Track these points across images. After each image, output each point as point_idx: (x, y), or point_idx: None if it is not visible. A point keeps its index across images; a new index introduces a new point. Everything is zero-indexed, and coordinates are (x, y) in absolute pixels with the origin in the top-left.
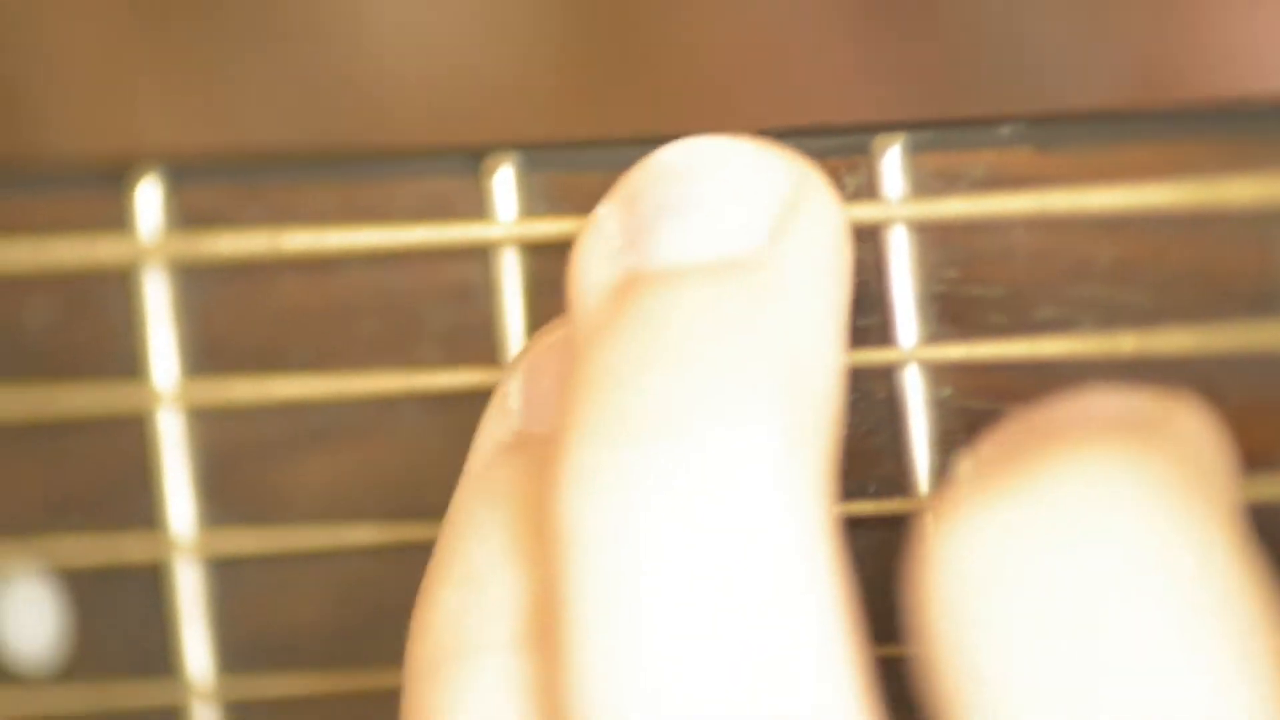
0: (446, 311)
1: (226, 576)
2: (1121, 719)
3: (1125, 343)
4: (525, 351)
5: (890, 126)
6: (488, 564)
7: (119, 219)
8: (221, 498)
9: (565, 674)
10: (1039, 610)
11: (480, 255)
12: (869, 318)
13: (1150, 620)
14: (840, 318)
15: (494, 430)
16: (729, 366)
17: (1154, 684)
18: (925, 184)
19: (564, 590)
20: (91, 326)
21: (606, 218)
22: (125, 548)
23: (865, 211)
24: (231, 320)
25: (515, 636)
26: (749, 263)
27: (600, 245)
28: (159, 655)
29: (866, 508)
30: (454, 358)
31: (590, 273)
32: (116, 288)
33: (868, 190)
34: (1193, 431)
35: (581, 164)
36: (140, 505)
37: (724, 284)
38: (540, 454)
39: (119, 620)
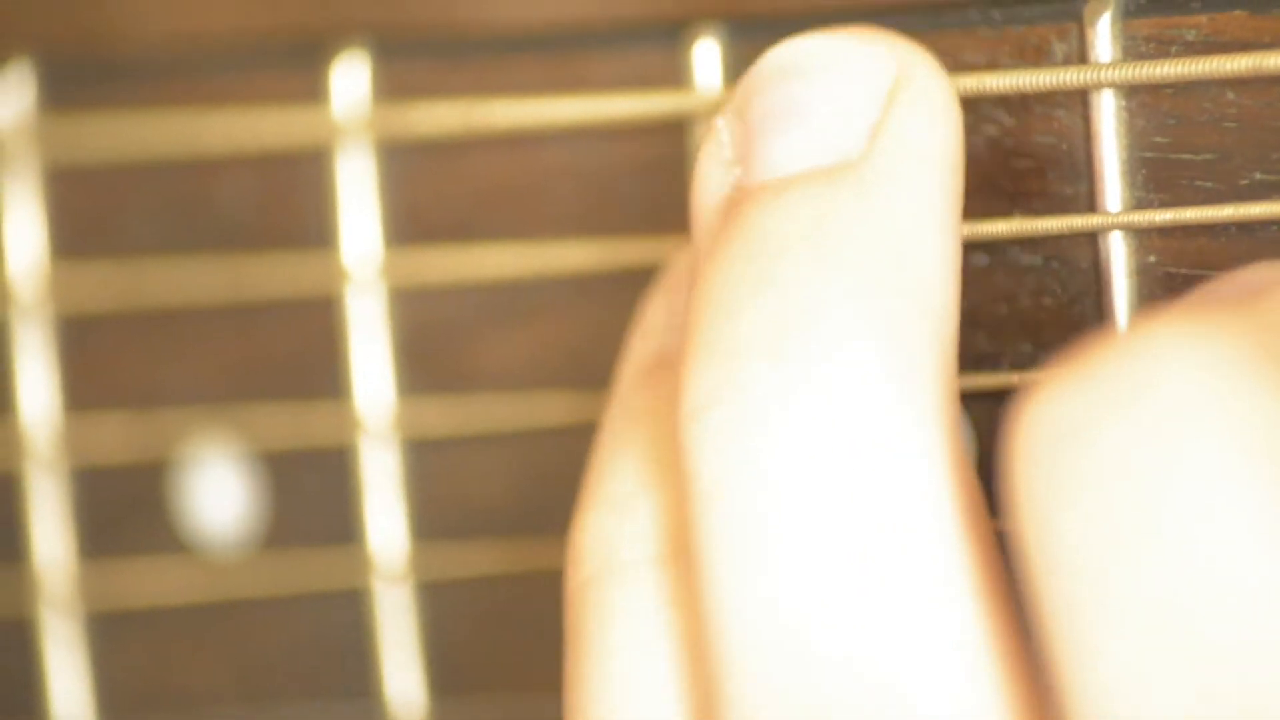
0: (643, 186)
1: (418, 452)
2: (1170, 579)
3: None
4: (665, 271)
5: None
6: (631, 488)
7: (319, 94)
8: (415, 373)
9: (704, 598)
10: (1097, 478)
11: (678, 130)
12: (1075, 185)
13: (1198, 488)
14: (950, 198)
15: (640, 351)
16: (830, 282)
17: (1197, 540)
18: (1136, 49)
19: (694, 519)
20: (290, 202)
21: (721, 128)
22: (318, 424)
23: (1075, 75)
24: (429, 196)
25: (660, 555)
26: (847, 167)
27: (715, 157)
28: (348, 531)
29: None
30: (650, 232)
31: (706, 188)
32: (314, 164)
33: (1078, 56)
34: None
35: (785, 36)
36: (335, 380)
37: (821, 194)
38: (672, 377)
39: (310, 496)
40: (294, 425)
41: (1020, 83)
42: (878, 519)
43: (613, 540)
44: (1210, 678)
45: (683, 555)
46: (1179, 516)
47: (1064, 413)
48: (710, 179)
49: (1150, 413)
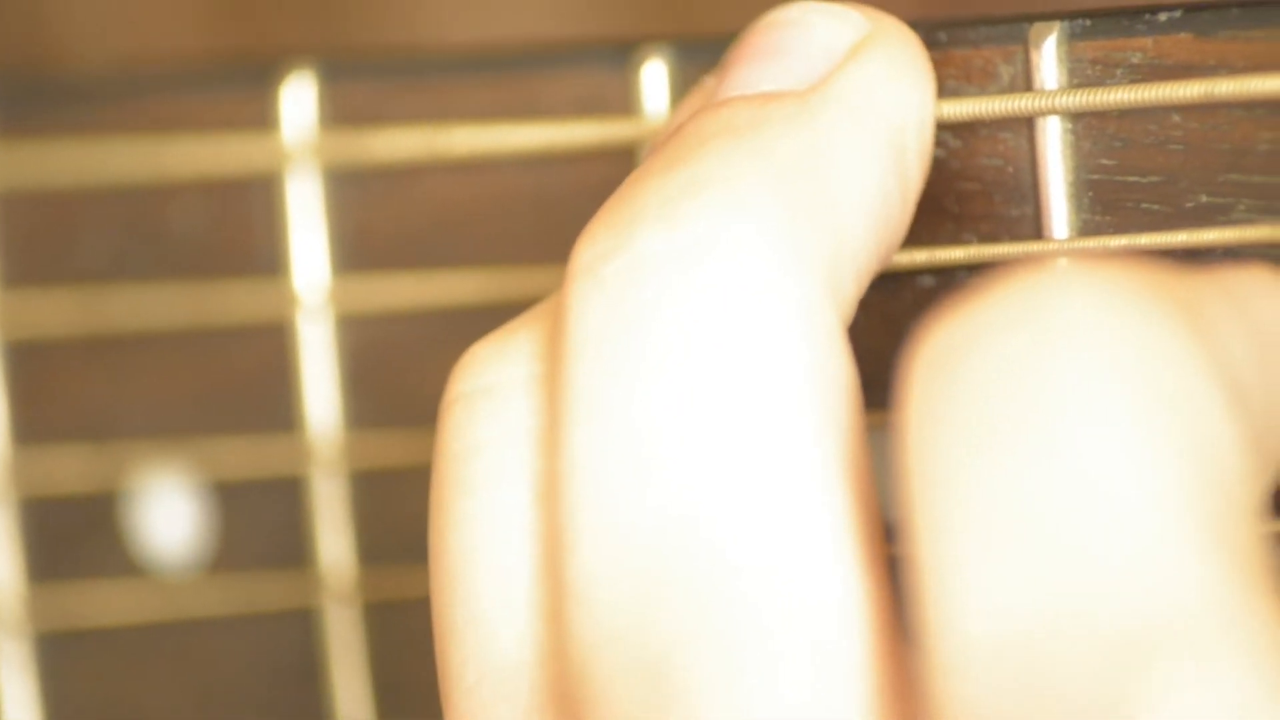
0: (594, 208)
1: (367, 478)
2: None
3: None
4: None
5: (1047, 16)
6: (522, 320)
7: (267, 118)
8: (365, 400)
9: (560, 437)
10: (969, 386)
11: (627, 154)
12: (1022, 207)
13: (1068, 406)
14: (895, 159)
15: None
16: (739, 168)
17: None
18: (1082, 72)
19: (564, 368)
20: (241, 227)
21: (708, 77)
22: (268, 452)
23: (1019, 104)
24: (379, 221)
25: (532, 376)
26: (787, 94)
27: (693, 102)
28: (298, 557)
29: None
30: None
31: (676, 119)
32: (264, 188)
33: (1023, 79)
34: (1248, 297)
35: None
36: (285, 409)
37: (760, 105)
38: None
39: (260, 521)
40: (244, 452)
41: (969, 110)
42: (741, 395)
43: (489, 361)
44: (1055, 586)
45: (547, 389)
46: (1052, 424)
47: (951, 332)
48: (683, 113)
49: (1030, 331)
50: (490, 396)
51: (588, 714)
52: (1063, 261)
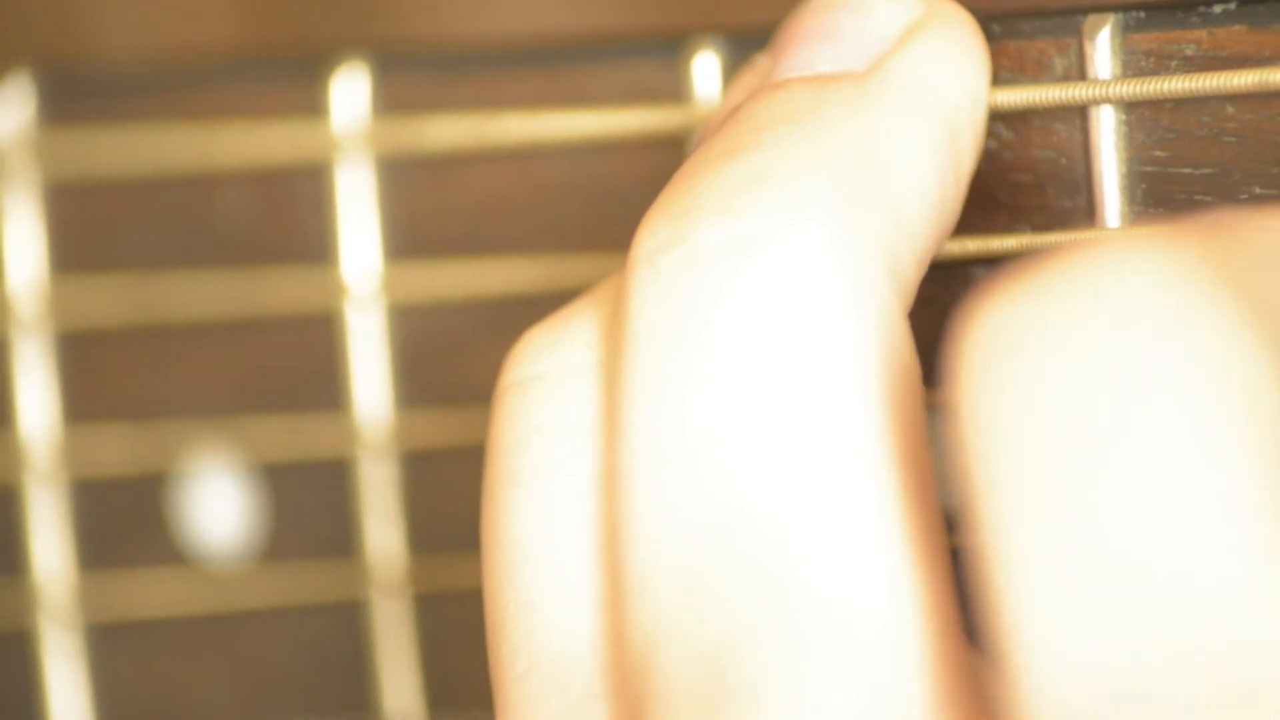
0: (644, 198)
1: (417, 466)
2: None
3: None
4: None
5: (1102, 7)
6: (580, 305)
7: (319, 108)
8: (414, 389)
9: (619, 426)
10: (1041, 394)
11: (678, 143)
12: (1074, 199)
13: (1150, 412)
14: (951, 142)
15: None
16: (798, 159)
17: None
18: (1135, 64)
19: (624, 356)
20: (290, 216)
21: (759, 58)
22: (317, 439)
23: (1074, 93)
24: (430, 210)
25: (592, 362)
26: (852, 75)
27: (746, 80)
28: (347, 543)
29: None
30: None
31: (731, 99)
32: (314, 178)
33: (1077, 71)
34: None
35: None
36: (334, 398)
37: (816, 89)
38: None
39: (309, 508)
40: (293, 438)
41: (1024, 98)
42: (797, 387)
43: (544, 348)
44: (1130, 619)
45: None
46: (1125, 441)
47: (1012, 320)
48: (736, 92)
49: (1094, 320)
50: (545, 383)
51: (648, 706)
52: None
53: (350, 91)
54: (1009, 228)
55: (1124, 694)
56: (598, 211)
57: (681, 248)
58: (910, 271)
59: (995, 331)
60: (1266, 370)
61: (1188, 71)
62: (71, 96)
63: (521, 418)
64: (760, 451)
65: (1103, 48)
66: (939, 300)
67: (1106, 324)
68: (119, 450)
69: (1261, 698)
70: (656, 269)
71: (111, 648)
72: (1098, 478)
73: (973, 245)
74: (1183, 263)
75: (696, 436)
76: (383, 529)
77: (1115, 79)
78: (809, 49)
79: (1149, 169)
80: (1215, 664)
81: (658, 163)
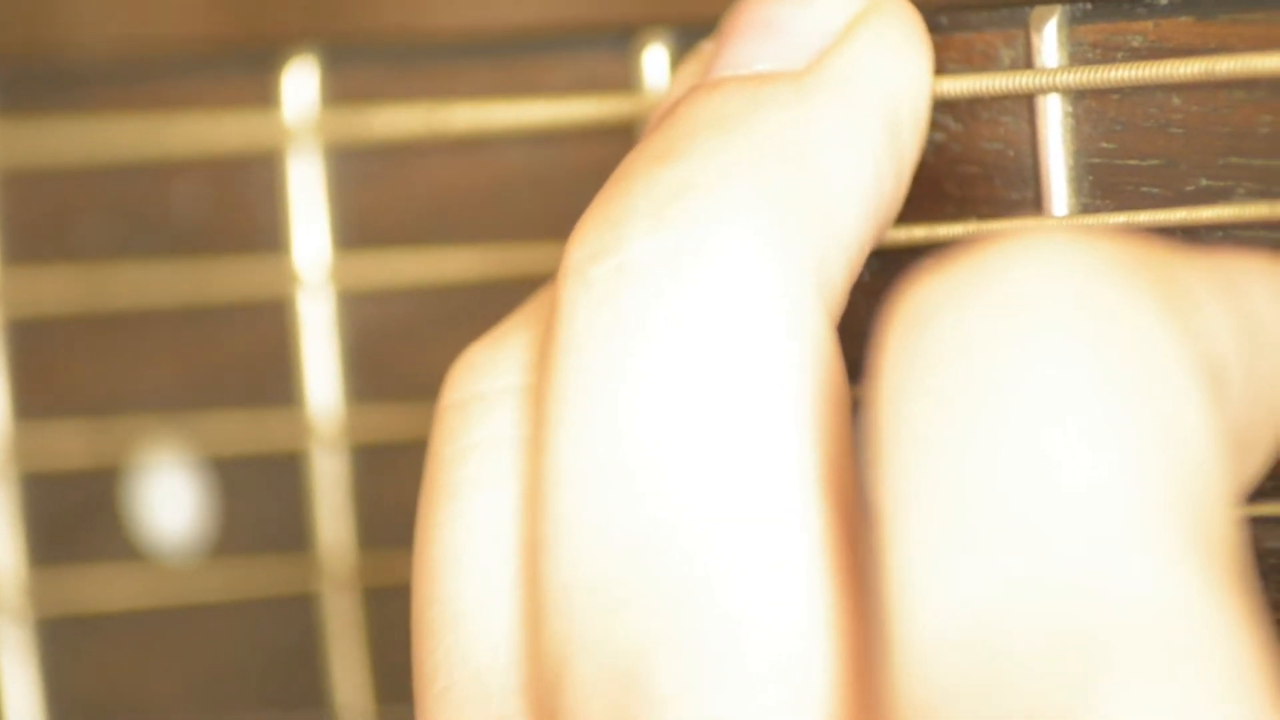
0: (594, 189)
1: (368, 458)
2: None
3: None
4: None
5: None
6: (513, 323)
7: (271, 99)
8: (364, 378)
9: (545, 441)
10: (938, 356)
11: (628, 134)
12: (1022, 191)
13: (1036, 379)
14: (890, 141)
15: None
16: (729, 165)
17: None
18: (1082, 56)
19: (552, 367)
20: (242, 207)
21: (705, 45)
22: (268, 432)
23: (1020, 81)
24: (380, 201)
25: (524, 386)
26: (788, 73)
27: (691, 69)
28: (298, 539)
29: None
30: None
31: (671, 94)
32: (265, 168)
33: (1024, 63)
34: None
35: None
36: (286, 387)
37: (751, 89)
38: None
39: (261, 502)
40: (244, 432)
41: (969, 87)
42: (720, 403)
43: (482, 367)
44: (1012, 579)
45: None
46: (1012, 404)
47: (924, 298)
48: (675, 87)
49: (1000, 297)
50: (482, 402)
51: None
52: (1050, 228)
53: (300, 83)
54: (957, 219)
55: (976, 640)
56: (549, 201)
57: (609, 259)
58: (841, 277)
59: (913, 307)
60: (1136, 358)
61: (1134, 62)
62: (25, 88)
63: (457, 436)
64: (680, 466)
65: (1049, 39)
66: (883, 291)
67: (999, 299)
68: (71, 443)
69: (1092, 652)
70: (586, 280)
71: (63, 642)
72: (978, 432)
73: (919, 233)
74: (1084, 253)
75: (617, 450)
76: (334, 523)
77: (1061, 68)
78: (749, 43)
79: (1096, 160)
80: (1057, 617)
81: (608, 153)
